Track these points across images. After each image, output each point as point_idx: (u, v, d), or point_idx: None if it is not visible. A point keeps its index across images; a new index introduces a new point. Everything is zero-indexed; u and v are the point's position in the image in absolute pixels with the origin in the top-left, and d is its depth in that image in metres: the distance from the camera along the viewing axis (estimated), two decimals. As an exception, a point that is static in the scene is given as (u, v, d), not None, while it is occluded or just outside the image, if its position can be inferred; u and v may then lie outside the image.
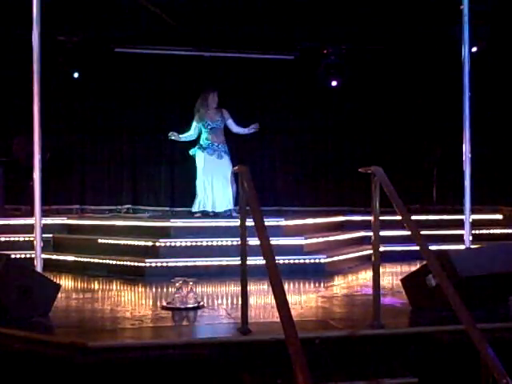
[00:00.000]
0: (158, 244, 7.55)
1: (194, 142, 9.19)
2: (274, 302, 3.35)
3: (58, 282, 5.89)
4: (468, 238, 6.60)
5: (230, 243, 7.43)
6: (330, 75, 11.17)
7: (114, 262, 7.59)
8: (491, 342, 3.52)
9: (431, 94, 10.93)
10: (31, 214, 5.85)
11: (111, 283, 6.95)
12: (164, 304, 5.43)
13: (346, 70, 11.00)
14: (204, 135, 9.00)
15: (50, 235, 8.37)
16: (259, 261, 3.73)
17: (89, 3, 8.84)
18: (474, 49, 9.45)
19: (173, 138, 9.03)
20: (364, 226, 8.61)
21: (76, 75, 10.59)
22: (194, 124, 9.05)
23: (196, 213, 8.84)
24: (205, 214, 8.74)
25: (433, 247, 4.64)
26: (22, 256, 7.35)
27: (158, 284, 6.70)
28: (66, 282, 7.05)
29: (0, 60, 9.83)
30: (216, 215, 8.68)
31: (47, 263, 6.53)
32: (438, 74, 10.38)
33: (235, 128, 9.11)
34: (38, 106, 5.66)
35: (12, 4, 8.19)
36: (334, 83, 11.20)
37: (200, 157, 8.95)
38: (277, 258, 3.65)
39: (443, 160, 10.69)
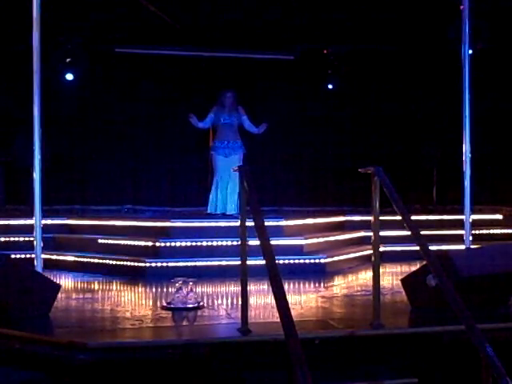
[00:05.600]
0: (158, 244, 7.55)
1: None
2: (274, 302, 3.35)
3: (58, 282, 5.89)
4: (468, 238, 6.60)
5: (230, 243, 7.43)
6: (329, 75, 11.19)
7: (114, 262, 7.58)
8: (491, 342, 3.52)
9: (431, 94, 10.94)
10: (31, 214, 5.85)
11: (111, 283, 6.95)
12: (164, 304, 5.42)
13: (345, 70, 11.00)
14: (217, 132, 8.97)
15: (50, 235, 8.37)
16: (259, 261, 3.73)
17: (89, 3, 8.84)
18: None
19: (191, 120, 8.89)
20: (364, 225, 8.62)
21: (76, 75, 10.59)
22: (210, 115, 8.96)
23: (210, 214, 8.76)
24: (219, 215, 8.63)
25: (433, 247, 4.64)
26: (22, 256, 7.35)
27: (157, 284, 6.70)
28: (66, 282, 7.05)
29: (0, 60, 9.83)
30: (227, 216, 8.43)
31: (47, 263, 6.54)
32: (438, 73, 10.38)
33: (247, 125, 8.96)
34: (37, 106, 5.66)
35: (12, 5, 8.19)
36: (333, 83, 11.21)
37: (212, 158, 8.93)
38: (277, 258, 3.65)
39: (443, 160, 10.69)
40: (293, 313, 3.29)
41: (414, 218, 4.73)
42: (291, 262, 7.48)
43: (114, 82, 10.99)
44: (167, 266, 7.30)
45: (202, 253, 7.55)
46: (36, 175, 5.65)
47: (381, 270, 4.69)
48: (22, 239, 8.19)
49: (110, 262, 7.62)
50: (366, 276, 7.30)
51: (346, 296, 6.09)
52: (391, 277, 7.12)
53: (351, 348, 4.31)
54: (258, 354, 4.14)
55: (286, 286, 3.63)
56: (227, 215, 8.53)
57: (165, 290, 6.35)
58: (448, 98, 8.83)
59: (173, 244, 7.56)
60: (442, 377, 4.36)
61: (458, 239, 7.33)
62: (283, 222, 8.10)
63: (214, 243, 7.61)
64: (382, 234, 4.77)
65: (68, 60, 10.25)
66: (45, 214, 6.19)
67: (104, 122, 11.12)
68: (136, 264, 7.38)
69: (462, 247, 6.68)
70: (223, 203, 8.75)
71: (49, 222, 8.30)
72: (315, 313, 5.40)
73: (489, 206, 10.19)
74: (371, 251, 4.84)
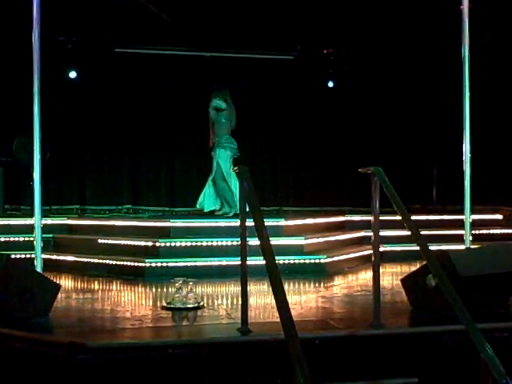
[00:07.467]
0: (158, 244, 7.55)
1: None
2: (274, 302, 3.35)
3: (57, 282, 5.89)
4: (468, 238, 6.60)
5: (230, 243, 7.43)
6: (329, 75, 11.19)
7: (114, 262, 7.58)
8: (491, 342, 3.52)
9: (431, 94, 10.94)
10: (31, 214, 5.85)
11: (111, 283, 6.95)
12: (164, 304, 5.43)
13: (345, 71, 11.01)
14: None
15: (50, 235, 8.37)
16: (259, 261, 3.73)
17: (89, 3, 8.85)
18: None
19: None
20: (364, 225, 8.62)
21: (76, 75, 10.61)
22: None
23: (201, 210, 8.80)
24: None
25: (433, 247, 4.64)
26: (22, 256, 7.34)
27: (158, 284, 6.70)
28: (66, 282, 7.05)
29: (0, 60, 9.83)
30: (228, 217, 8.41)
31: (47, 263, 6.53)
32: (438, 73, 10.38)
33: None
34: (38, 106, 5.66)
35: (12, 4, 8.20)
36: (333, 83, 11.22)
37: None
38: (277, 258, 3.65)
39: (443, 160, 10.70)
40: (293, 313, 3.29)
41: (414, 218, 4.72)
42: (291, 261, 7.48)
43: (114, 81, 10.99)
44: (167, 266, 7.30)
45: (202, 253, 7.55)
46: (36, 175, 5.65)
47: (381, 270, 4.69)
48: (21, 239, 8.19)
49: (110, 261, 7.61)
50: (366, 276, 7.30)
51: (346, 296, 6.09)
52: (391, 277, 7.12)
53: (351, 348, 4.31)
54: (257, 354, 4.13)
55: (286, 286, 3.63)
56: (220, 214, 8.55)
57: (165, 290, 6.35)
58: (448, 98, 8.82)
59: (173, 244, 7.56)
60: (442, 377, 4.36)
61: (458, 239, 7.33)
62: (283, 222, 8.10)
63: (214, 243, 7.61)
64: (382, 234, 4.77)
65: (68, 60, 10.26)
66: (45, 214, 6.19)
67: (104, 122, 11.13)
68: (136, 264, 7.38)
69: (462, 247, 6.67)
70: (201, 199, 8.73)
71: (49, 222, 8.31)
72: (315, 313, 5.40)
73: (489, 206, 10.18)
74: (371, 251, 4.84)
